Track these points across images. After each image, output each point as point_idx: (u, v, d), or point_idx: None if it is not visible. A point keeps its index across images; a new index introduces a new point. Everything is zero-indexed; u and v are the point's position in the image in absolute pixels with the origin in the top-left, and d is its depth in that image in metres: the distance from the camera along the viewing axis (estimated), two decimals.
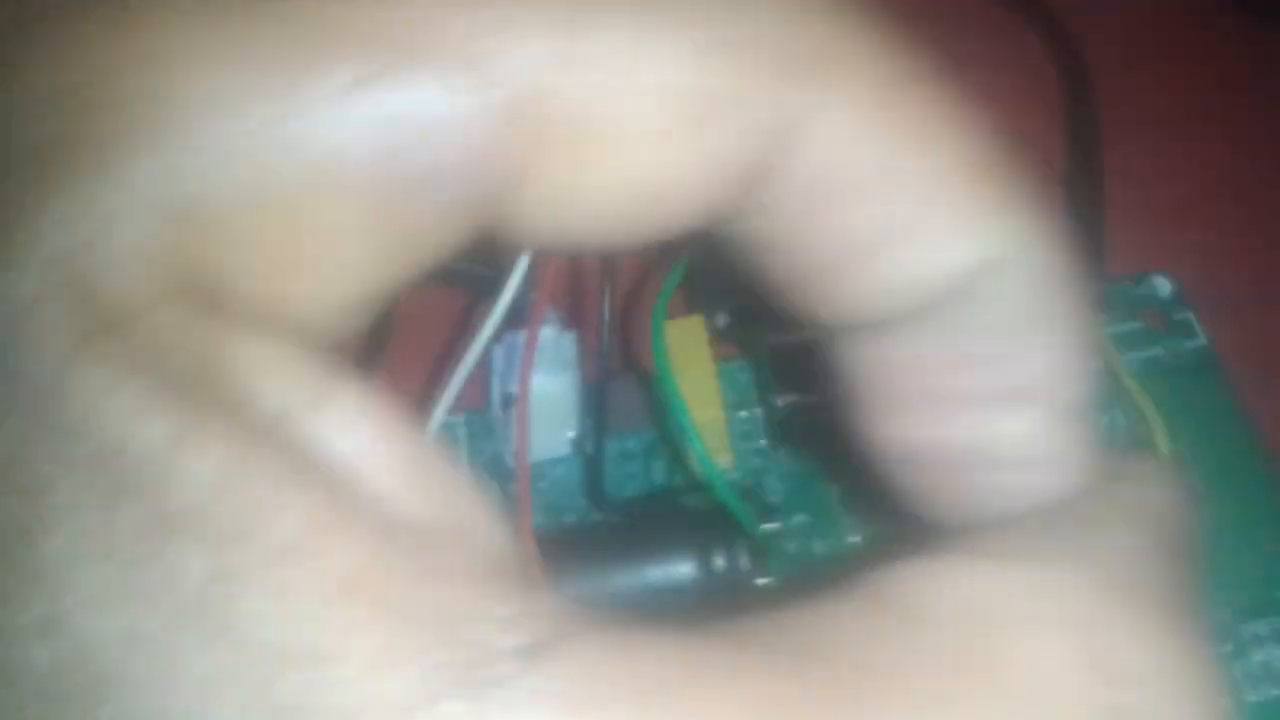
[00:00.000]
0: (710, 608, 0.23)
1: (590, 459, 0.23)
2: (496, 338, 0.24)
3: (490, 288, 0.21)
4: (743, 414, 0.26)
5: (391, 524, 0.09)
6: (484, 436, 0.26)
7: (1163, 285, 0.28)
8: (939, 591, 0.10)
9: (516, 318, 0.22)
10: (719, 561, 0.23)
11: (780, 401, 0.25)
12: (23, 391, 0.08)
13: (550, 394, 0.25)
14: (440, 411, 0.21)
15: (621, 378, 0.26)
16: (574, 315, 0.26)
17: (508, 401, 0.25)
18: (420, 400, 0.24)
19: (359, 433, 0.09)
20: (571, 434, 0.25)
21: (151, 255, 0.09)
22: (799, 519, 0.25)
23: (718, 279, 0.29)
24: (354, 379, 0.09)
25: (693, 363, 0.25)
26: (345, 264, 0.10)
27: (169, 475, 0.08)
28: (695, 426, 0.22)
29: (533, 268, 0.21)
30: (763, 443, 0.26)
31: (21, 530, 0.08)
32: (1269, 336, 0.28)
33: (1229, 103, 0.34)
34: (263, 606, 0.08)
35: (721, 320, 0.28)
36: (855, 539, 0.24)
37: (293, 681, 0.08)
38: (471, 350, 0.21)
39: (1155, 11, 0.36)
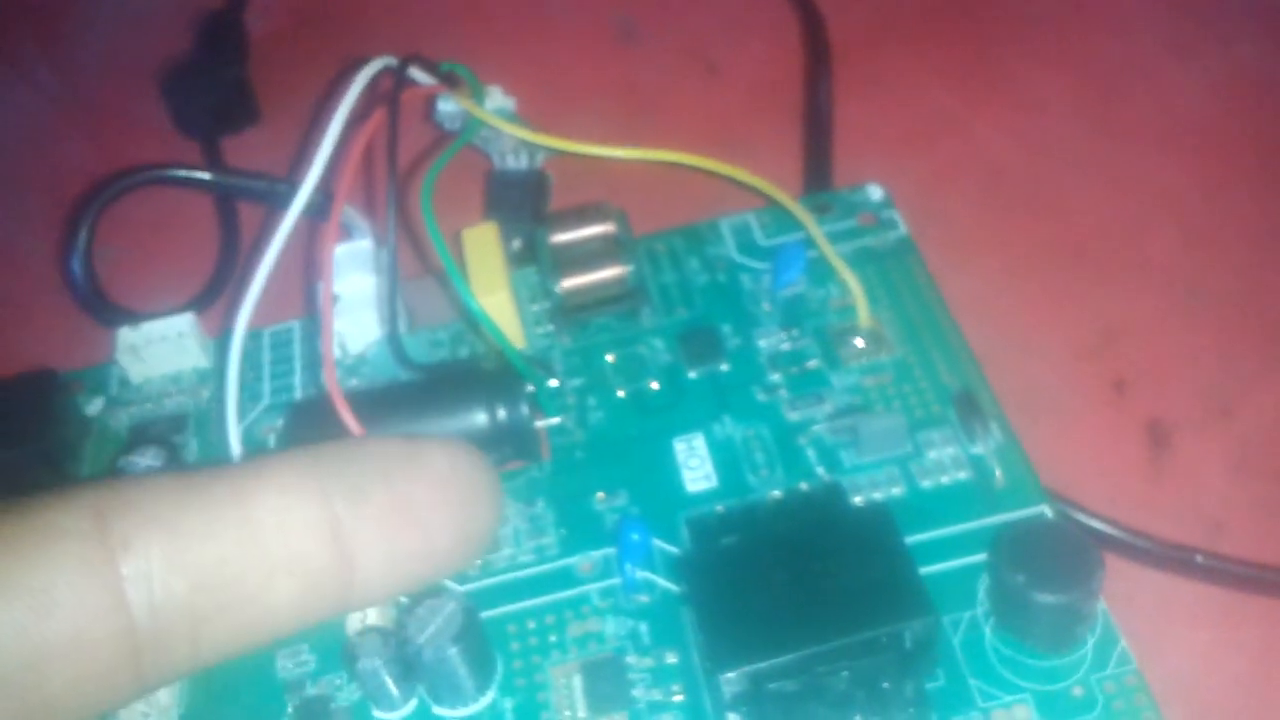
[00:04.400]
0: (501, 445, 0.28)
1: (392, 336, 0.28)
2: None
3: (285, 201, 0.26)
4: (534, 307, 0.32)
5: None
6: (315, 336, 0.31)
7: (875, 191, 0.34)
8: None
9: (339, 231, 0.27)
10: (501, 413, 0.28)
11: (558, 288, 0.30)
12: None
13: (365, 294, 0.30)
14: (245, 311, 0.25)
15: (427, 279, 0.32)
16: (375, 223, 0.31)
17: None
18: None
19: None
20: (384, 324, 0.30)
21: None
22: (576, 381, 0.30)
23: (511, 213, 0.35)
24: None
25: (488, 260, 0.30)
26: None
27: None
28: (487, 310, 0.28)
29: (326, 179, 0.26)
30: (550, 328, 0.31)
31: None
32: (954, 228, 0.35)
33: (945, 61, 0.41)
34: None
35: (515, 245, 0.34)
36: (621, 394, 0.30)
37: None
38: (269, 253, 0.25)
39: None
